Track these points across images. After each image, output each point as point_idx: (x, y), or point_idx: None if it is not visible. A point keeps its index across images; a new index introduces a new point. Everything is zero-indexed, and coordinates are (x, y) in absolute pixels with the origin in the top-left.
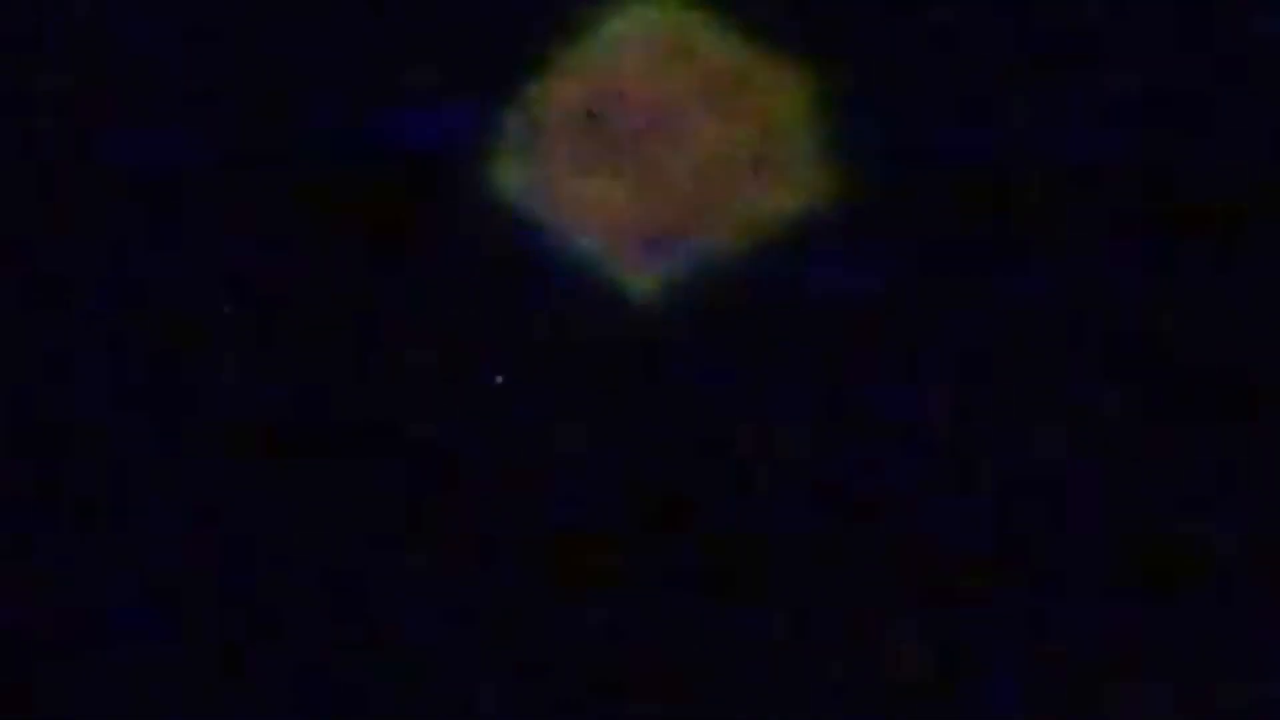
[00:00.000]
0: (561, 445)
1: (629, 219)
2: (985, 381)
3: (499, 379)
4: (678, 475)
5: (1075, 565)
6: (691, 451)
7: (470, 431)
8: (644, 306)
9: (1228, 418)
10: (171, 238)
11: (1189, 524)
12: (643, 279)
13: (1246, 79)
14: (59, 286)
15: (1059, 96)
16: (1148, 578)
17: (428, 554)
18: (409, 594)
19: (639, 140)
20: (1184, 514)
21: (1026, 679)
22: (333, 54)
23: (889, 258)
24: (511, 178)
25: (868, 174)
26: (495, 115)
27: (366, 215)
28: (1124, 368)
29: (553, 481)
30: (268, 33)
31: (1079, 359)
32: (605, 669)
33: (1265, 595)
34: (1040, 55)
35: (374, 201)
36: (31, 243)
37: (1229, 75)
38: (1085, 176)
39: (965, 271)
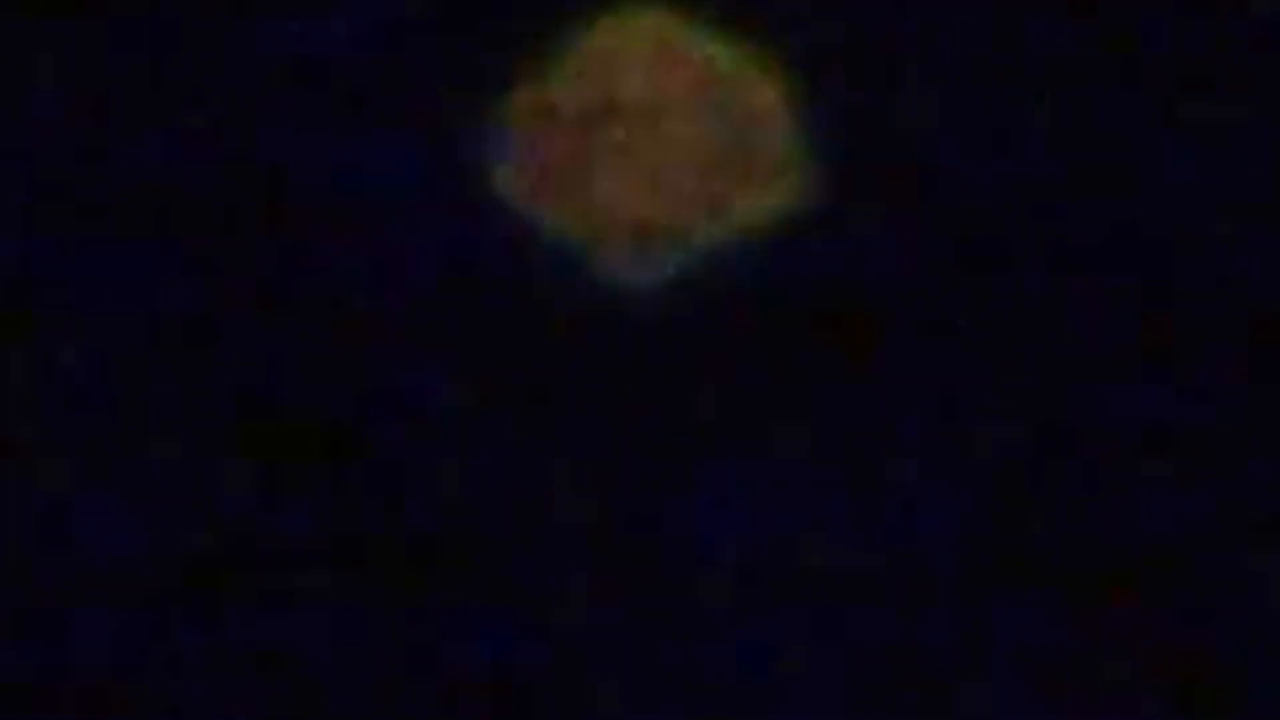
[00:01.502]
0: (555, 444)
1: (621, 218)
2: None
3: None
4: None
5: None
6: (685, 451)
7: (462, 430)
8: (636, 305)
9: None
10: None
11: None
12: (635, 278)
13: None
14: None
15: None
16: None
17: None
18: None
19: (630, 141)
20: None
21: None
22: None
23: (878, 257)
24: (504, 177)
25: (853, 172)
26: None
27: None
28: None
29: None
30: None
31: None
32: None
33: None
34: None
35: None
36: None
37: None
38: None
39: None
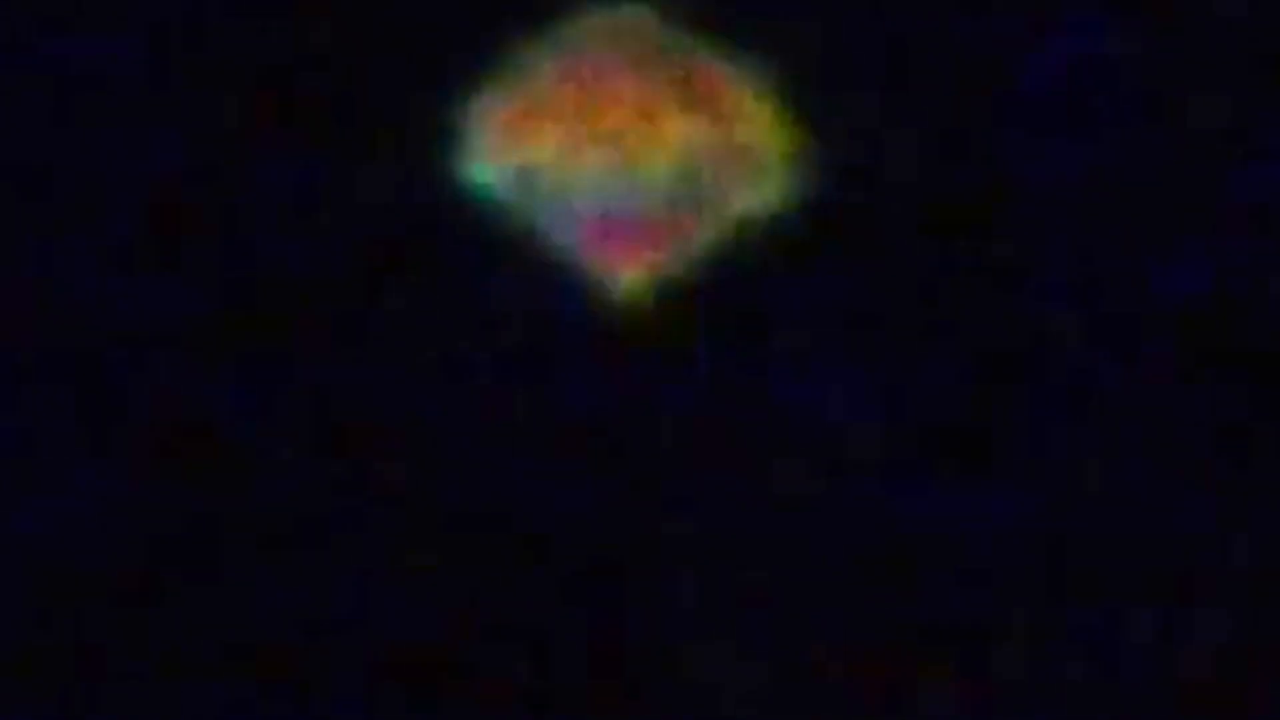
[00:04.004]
0: (545, 442)
1: (610, 216)
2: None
3: None
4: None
5: None
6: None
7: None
8: (625, 303)
9: None
10: None
11: None
12: (624, 276)
13: None
14: None
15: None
16: None
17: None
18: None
19: (618, 140)
20: None
21: None
22: None
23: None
24: (492, 174)
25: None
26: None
27: None
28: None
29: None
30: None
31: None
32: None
33: None
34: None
35: None
36: None
37: None
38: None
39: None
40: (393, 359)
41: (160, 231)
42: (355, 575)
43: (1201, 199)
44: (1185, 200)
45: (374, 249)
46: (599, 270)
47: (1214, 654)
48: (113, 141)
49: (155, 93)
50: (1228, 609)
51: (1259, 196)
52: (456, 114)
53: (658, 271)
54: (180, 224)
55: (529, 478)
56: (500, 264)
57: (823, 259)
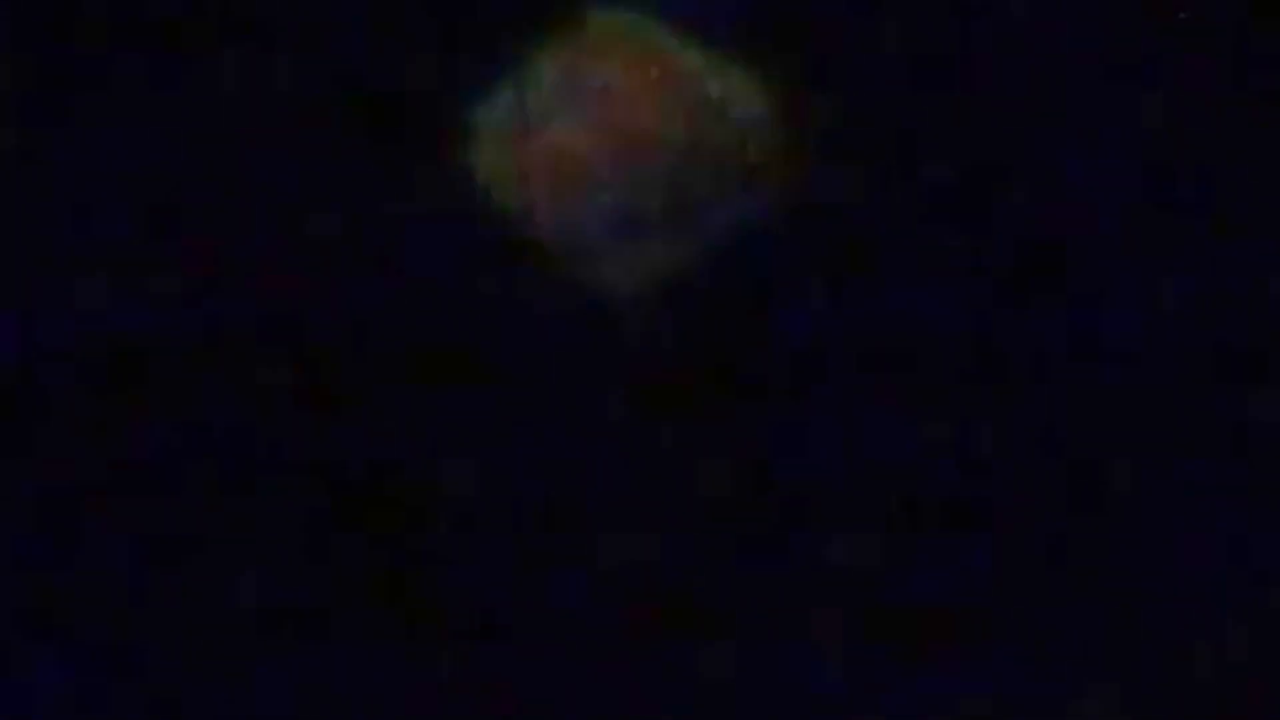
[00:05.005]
0: (542, 449)
1: (603, 214)
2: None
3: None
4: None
5: None
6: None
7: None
8: (620, 303)
9: None
10: None
11: None
12: (619, 276)
13: None
14: None
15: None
16: None
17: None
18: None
19: (611, 142)
20: None
21: None
22: None
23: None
24: (487, 173)
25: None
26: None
27: None
28: None
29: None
30: None
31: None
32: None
33: None
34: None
35: None
36: None
37: None
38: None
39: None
40: (393, 359)
41: (160, 232)
42: (356, 571)
43: (1201, 199)
44: (1185, 201)
45: (374, 249)
46: (599, 270)
47: (1215, 653)
48: (113, 141)
49: (156, 93)
50: (1230, 610)
51: (1259, 197)
52: (456, 114)
53: (657, 272)
54: (180, 224)
55: (529, 478)
56: (500, 264)
57: (822, 259)
